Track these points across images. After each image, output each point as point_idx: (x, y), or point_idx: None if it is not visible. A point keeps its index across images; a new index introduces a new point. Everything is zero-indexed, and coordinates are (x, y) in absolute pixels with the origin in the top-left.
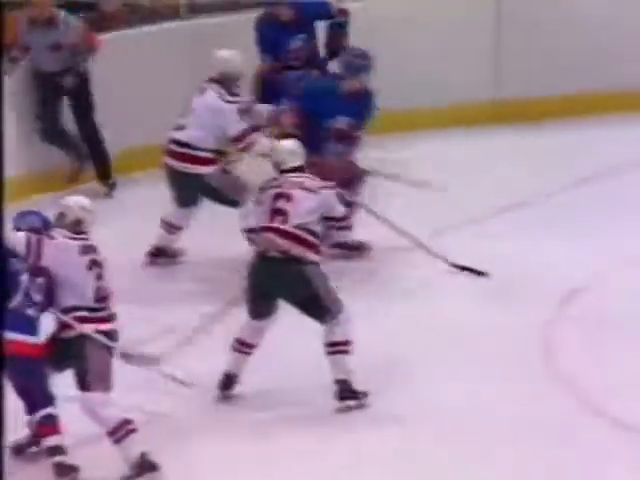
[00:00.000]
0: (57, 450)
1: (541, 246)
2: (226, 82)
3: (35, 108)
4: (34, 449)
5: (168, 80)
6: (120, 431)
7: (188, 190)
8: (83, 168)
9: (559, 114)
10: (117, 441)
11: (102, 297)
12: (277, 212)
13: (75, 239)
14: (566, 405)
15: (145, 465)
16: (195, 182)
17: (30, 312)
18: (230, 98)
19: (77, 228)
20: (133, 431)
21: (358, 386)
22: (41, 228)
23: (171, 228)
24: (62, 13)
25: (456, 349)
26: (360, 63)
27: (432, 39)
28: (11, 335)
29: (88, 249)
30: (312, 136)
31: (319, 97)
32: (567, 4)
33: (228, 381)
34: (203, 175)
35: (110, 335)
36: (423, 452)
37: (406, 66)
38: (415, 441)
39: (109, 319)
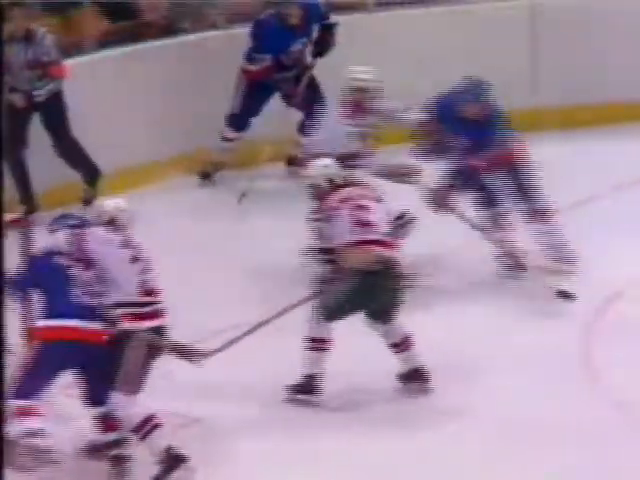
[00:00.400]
0: (120, 443)
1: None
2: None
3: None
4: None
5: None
6: (144, 428)
7: None
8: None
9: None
10: (142, 438)
11: (148, 292)
12: (365, 224)
13: (114, 233)
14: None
15: (172, 458)
16: None
17: (91, 301)
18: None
19: (112, 227)
20: (157, 426)
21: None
22: (79, 226)
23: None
24: (40, 29)
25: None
26: (480, 89)
27: None
28: (83, 323)
29: (128, 244)
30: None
31: (448, 113)
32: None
33: (310, 382)
34: None
35: (157, 332)
36: (474, 451)
37: None
38: (466, 441)
39: (156, 315)
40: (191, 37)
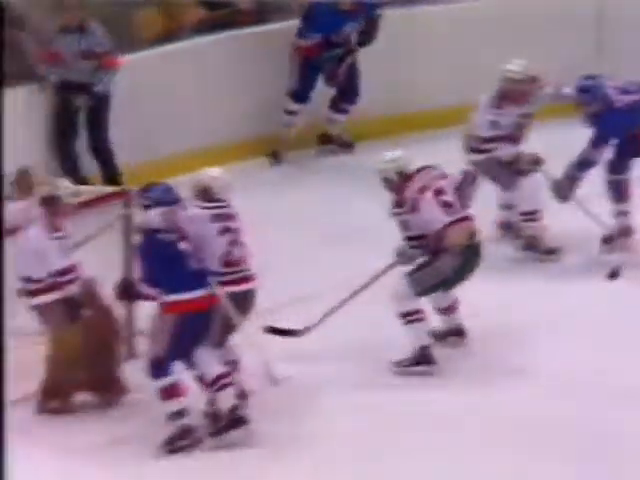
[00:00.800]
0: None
1: None
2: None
3: (51, 123)
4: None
5: None
6: (216, 385)
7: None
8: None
9: None
10: (213, 393)
11: (235, 261)
12: (449, 205)
13: (207, 208)
14: None
15: (235, 418)
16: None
17: (199, 270)
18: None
19: (207, 196)
20: (228, 385)
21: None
22: (169, 201)
23: (510, 208)
24: (92, 22)
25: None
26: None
27: None
28: (201, 292)
29: (220, 217)
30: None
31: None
32: None
33: (424, 353)
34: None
35: (246, 295)
36: (523, 411)
37: None
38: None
39: (245, 280)
40: (277, 26)
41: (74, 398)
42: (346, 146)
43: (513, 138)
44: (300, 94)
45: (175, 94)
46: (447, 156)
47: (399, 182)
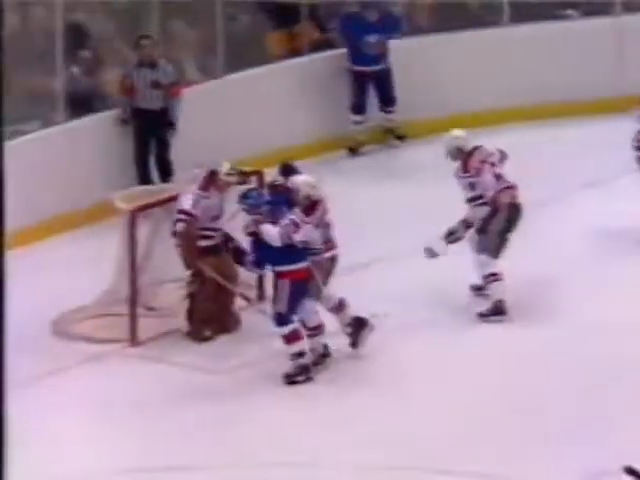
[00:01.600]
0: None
1: None
2: None
3: (134, 141)
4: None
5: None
6: (316, 330)
7: None
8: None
9: None
10: (310, 336)
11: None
12: (501, 176)
13: (306, 221)
14: None
15: (321, 355)
16: None
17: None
18: None
19: (307, 202)
20: (322, 333)
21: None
22: (260, 206)
23: None
24: (162, 59)
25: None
26: None
27: None
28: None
29: (319, 221)
30: None
31: None
32: None
33: (500, 306)
34: None
35: (333, 259)
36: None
37: None
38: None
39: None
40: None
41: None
42: (400, 138)
43: None
44: (356, 106)
45: (284, 100)
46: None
47: (463, 155)
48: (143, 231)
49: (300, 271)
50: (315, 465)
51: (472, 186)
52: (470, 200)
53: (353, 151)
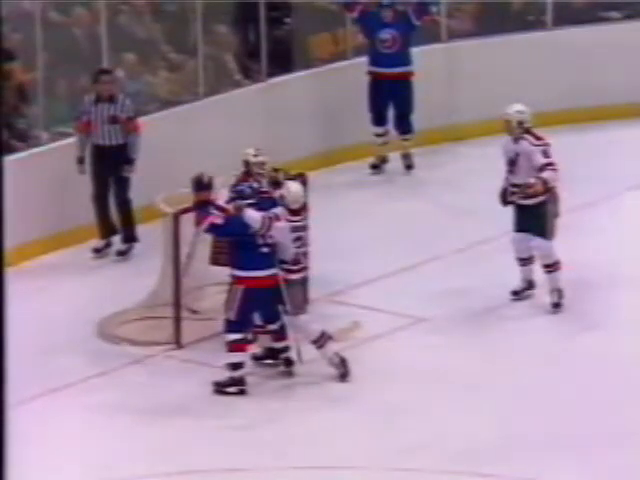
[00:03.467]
0: (287, 350)
1: None
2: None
3: (92, 180)
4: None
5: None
6: (321, 340)
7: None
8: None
9: None
10: (319, 347)
11: (298, 259)
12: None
13: (290, 220)
14: None
15: (341, 359)
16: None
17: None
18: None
19: (293, 207)
20: (330, 339)
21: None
22: (248, 195)
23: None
24: (121, 94)
25: None
26: None
27: None
28: (270, 272)
29: (297, 228)
30: None
31: None
32: None
33: (561, 295)
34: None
35: (300, 281)
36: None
37: None
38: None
39: (301, 271)
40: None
41: None
42: (409, 168)
43: None
44: (376, 118)
45: (320, 105)
46: None
47: (523, 129)
48: (186, 234)
49: (257, 279)
50: (349, 468)
51: (545, 153)
52: (545, 166)
53: (376, 168)
